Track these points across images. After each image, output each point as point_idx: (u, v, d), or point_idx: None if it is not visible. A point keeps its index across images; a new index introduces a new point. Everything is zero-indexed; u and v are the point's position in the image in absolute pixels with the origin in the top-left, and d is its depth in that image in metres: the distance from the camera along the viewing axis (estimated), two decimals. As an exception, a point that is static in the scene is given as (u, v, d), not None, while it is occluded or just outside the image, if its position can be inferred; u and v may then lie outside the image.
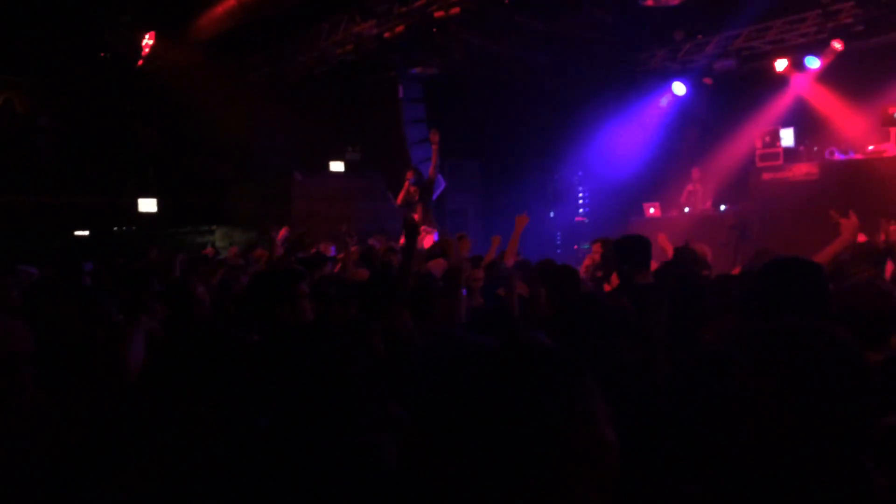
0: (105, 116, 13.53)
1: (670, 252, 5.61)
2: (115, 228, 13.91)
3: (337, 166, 14.59)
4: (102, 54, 12.01)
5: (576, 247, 13.61)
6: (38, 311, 3.43)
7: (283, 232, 7.77)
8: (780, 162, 11.03)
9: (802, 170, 10.79)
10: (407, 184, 10.51)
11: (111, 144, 13.68)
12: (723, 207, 11.67)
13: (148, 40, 11.74)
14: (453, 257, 4.09)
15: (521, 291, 4.79)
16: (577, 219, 15.07)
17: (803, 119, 11.47)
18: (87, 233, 13.46)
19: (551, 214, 15.00)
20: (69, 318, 3.48)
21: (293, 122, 13.48)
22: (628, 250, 4.09)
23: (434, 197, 10.74)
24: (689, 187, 12.23)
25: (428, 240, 9.75)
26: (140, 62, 11.94)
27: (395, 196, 11.21)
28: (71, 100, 13.40)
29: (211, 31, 11.16)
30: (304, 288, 3.42)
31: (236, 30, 10.91)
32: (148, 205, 14.00)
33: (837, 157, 10.61)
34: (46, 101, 13.55)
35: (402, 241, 5.30)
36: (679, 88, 12.63)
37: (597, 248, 6.84)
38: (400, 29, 10.59)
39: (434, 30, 10.34)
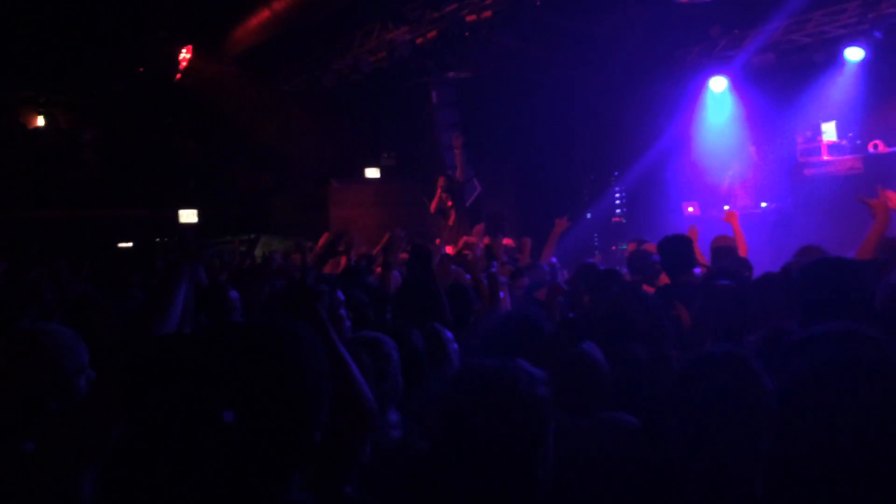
0: (145, 130, 13.80)
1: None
2: (158, 240, 14.16)
3: (373, 172, 14.68)
4: (141, 69, 12.26)
5: (614, 247, 13.48)
6: (86, 324, 3.50)
7: (322, 239, 7.83)
8: (823, 157, 10.80)
9: (846, 164, 10.55)
10: (439, 190, 10.53)
11: (151, 157, 13.94)
12: (764, 205, 11.47)
13: (185, 54, 11.94)
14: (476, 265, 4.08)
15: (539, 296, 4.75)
16: (615, 219, 14.92)
17: (845, 112, 11.21)
18: (130, 245, 13.73)
19: (588, 215, 14.88)
20: (116, 332, 3.55)
21: (329, 130, 13.61)
22: (671, 251, 4.04)
23: (469, 202, 10.74)
24: (727, 182, 12.05)
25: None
26: (178, 76, 12.15)
27: (430, 202, 11.24)
28: (111, 115, 13.69)
29: (246, 44, 11.31)
30: (338, 297, 3.45)
31: (270, 41, 11.04)
32: (189, 216, 14.21)
33: (882, 149, 10.35)
34: (88, 116, 13.88)
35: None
36: (717, 84, 12.45)
37: (632, 247, 6.74)
38: (432, 34, 10.61)
39: (466, 33, 10.34)
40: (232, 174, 14.53)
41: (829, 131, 10.93)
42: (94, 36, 11.25)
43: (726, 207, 11.74)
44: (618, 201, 15.05)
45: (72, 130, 13.84)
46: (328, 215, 13.23)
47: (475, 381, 1.62)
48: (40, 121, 13.01)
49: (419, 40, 10.88)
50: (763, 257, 8.60)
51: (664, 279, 4.03)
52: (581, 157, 14.68)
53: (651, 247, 6.03)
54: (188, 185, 14.49)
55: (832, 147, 10.85)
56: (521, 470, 1.54)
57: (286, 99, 13.44)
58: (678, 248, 3.99)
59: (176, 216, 14.09)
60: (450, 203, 10.44)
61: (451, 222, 10.43)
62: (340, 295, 3.56)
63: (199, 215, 14.30)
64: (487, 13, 9.70)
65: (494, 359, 1.71)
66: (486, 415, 1.55)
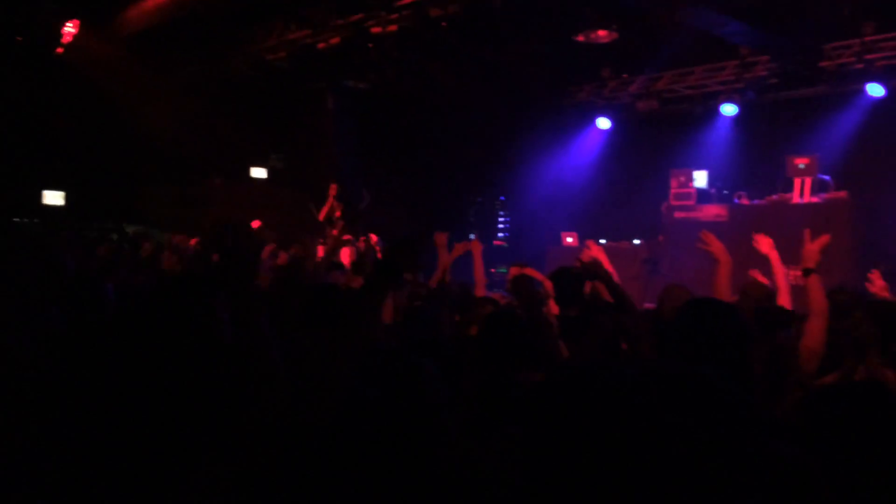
0: (15, 103, 12.87)
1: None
2: (17, 220, 13.23)
3: (259, 172, 14.37)
4: (19, 39, 11.44)
5: (493, 270, 13.77)
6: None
7: (192, 241, 7.58)
8: (693, 202, 11.51)
9: (712, 211, 11.29)
10: (332, 199, 10.38)
11: (19, 132, 13.02)
12: (637, 242, 12.06)
13: (70, 28, 11.25)
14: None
15: None
16: (496, 242, 15.28)
17: (716, 163, 12.01)
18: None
19: (471, 236, 15.14)
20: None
21: (218, 125, 13.18)
22: (562, 282, 4.19)
23: (357, 212, 10.69)
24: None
25: (345, 252, 9.66)
26: (59, 50, 11.41)
27: (318, 208, 11.09)
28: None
29: (139, 25, 10.80)
30: (220, 298, 3.36)
31: (166, 26, 10.61)
32: (54, 197, 13.41)
33: (745, 201, 11.16)
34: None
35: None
36: (603, 123, 13.03)
37: (514, 271, 6.88)
38: (335, 41, 10.53)
39: (370, 45, 10.34)
40: (108, 159, 13.78)
41: (701, 179, 11.67)
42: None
43: (603, 241, 12.29)
44: (501, 225, 15.42)
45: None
46: (208, 213, 12.80)
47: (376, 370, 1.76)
48: None
49: (321, 45, 10.77)
50: (632, 292, 9.04)
51: (553, 308, 4.16)
52: (470, 178, 14.95)
53: (531, 271, 6.20)
54: (56, 164, 13.63)
55: (701, 194, 11.59)
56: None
57: (175, 87, 12.92)
58: (569, 281, 4.15)
59: (39, 196, 13.25)
60: (338, 213, 10.32)
61: (335, 231, 10.32)
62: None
63: (66, 198, 13.50)
64: (393, 27, 9.74)
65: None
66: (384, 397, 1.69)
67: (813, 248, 3.47)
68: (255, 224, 8.78)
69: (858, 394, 1.80)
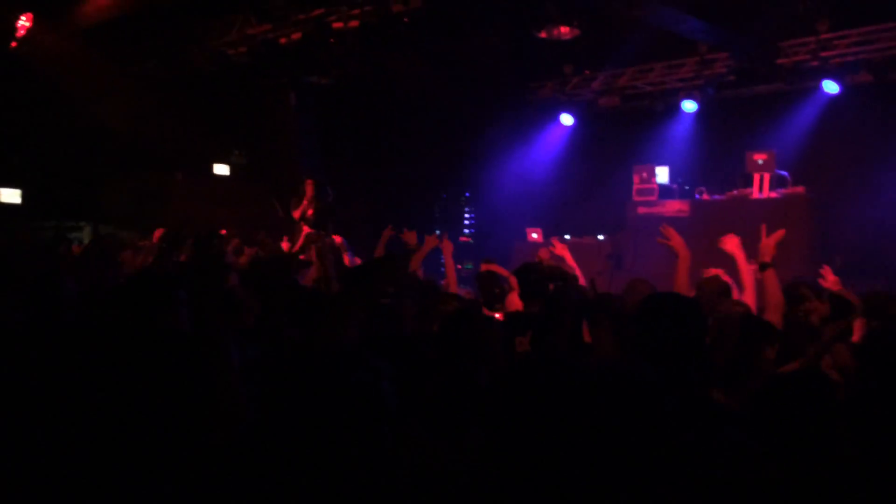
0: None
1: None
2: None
3: (222, 169, 14.20)
4: (-30, 32, 11.13)
5: (459, 266, 13.78)
6: None
7: (157, 234, 7.48)
8: (655, 198, 11.65)
9: (674, 206, 11.44)
10: (309, 196, 10.10)
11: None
12: (601, 237, 12.17)
13: (24, 22, 10.97)
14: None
15: None
16: (462, 238, 15.29)
17: (678, 159, 12.17)
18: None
19: (437, 232, 15.12)
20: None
21: (178, 120, 12.97)
22: (526, 280, 4.22)
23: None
24: None
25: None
26: (13, 44, 11.13)
27: (282, 204, 10.96)
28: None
29: (96, 18, 10.56)
30: (181, 295, 3.30)
31: (124, 18, 10.41)
32: (10, 195, 13.09)
33: (706, 197, 11.33)
34: None
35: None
36: (566, 119, 13.11)
37: (484, 267, 6.91)
38: (296, 36, 10.44)
39: (332, 40, 10.26)
40: (65, 155, 13.48)
41: (662, 175, 11.83)
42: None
43: (568, 237, 12.38)
44: (466, 221, 15.44)
45: None
46: (169, 209, 12.59)
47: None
48: None
49: (282, 40, 10.67)
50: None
51: (516, 303, 4.19)
52: (434, 174, 14.92)
53: (496, 267, 6.25)
54: (12, 161, 13.31)
55: (663, 190, 11.74)
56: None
57: (134, 82, 12.68)
58: (531, 277, 4.18)
59: (-6, 194, 12.92)
60: (311, 211, 10.15)
61: (306, 229, 10.18)
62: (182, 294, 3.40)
63: (23, 196, 13.19)
64: (355, 23, 9.68)
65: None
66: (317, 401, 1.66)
67: (769, 242, 3.54)
68: (222, 232, 8.61)
69: (802, 383, 1.87)
